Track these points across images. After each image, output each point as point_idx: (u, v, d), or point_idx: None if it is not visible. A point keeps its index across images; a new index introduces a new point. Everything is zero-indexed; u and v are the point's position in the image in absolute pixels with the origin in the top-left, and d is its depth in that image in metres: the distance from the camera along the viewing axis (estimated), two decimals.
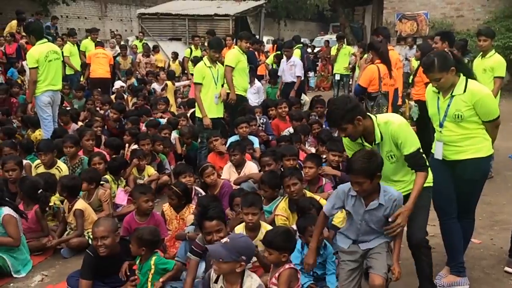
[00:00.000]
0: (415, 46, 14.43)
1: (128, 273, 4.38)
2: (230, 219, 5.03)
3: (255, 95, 11.05)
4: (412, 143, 3.81)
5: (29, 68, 8.26)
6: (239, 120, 7.67)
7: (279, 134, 8.50)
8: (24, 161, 6.58)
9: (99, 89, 11.89)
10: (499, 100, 7.21)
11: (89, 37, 15.04)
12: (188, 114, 9.77)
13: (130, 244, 4.33)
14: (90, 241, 5.11)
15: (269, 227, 4.48)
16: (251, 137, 7.71)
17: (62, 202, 5.88)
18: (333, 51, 15.71)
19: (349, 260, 3.85)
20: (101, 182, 6.27)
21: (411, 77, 8.61)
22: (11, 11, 19.40)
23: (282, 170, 5.76)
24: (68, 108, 10.14)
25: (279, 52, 14.54)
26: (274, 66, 14.17)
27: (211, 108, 7.88)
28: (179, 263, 4.50)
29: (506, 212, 6.43)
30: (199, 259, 4.31)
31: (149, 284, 4.24)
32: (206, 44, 13.63)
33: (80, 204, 5.54)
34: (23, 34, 14.01)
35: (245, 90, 9.19)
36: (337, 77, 15.24)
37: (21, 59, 13.93)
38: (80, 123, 9.25)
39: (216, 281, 3.70)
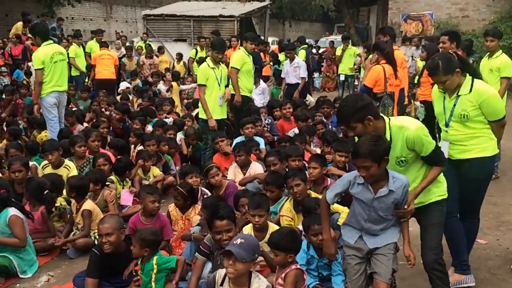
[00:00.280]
0: (421, 46, 14.39)
1: (134, 273, 4.38)
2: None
3: (260, 96, 11.06)
4: (429, 143, 3.69)
5: (35, 69, 8.28)
6: (245, 120, 7.66)
7: (284, 134, 8.49)
8: (30, 163, 6.60)
9: (104, 90, 11.92)
10: (506, 101, 7.19)
11: (94, 39, 15.08)
12: (193, 114, 9.77)
13: (132, 246, 4.29)
14: (96, 242, 5.12)
15: (277, 227, 4.48)
16: (257, 138, 7.71)
17: (68, 203, 5.90)
18: (338, 52, 15.71)
19: (354, 254, 3.76)
20: (107, 183, 6.29)
21: (417, 77, 8.60)
22: (17, 12, 19.51)
23: (287, 170, 5.76)
24: (74, 109, 10.16)
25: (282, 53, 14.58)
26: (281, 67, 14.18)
27: (215, 109, 7.84)
28: (182, 258, 4.49)
29: None
30: (206, 259, 4.32)
31: (153, 284, 4.23)
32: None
33: (89, 204, 5.55)
34: (29, 35, 14.02)
35: (250, 91, 9.19)
36: (342, 78, 15.23)
37: (27, 61, 13.98)
38: (85, 124, 9.28)
39: (222, 284, 3.68)
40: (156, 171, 7.25)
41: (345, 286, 4.03)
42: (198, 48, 15.81)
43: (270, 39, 25.75)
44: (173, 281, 4.28)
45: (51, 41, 8.31)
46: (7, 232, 4.90)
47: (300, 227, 4.61)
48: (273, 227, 4.54)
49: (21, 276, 4.95)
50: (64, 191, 5.92)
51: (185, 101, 12.62)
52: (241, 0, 23.25)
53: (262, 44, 15.52)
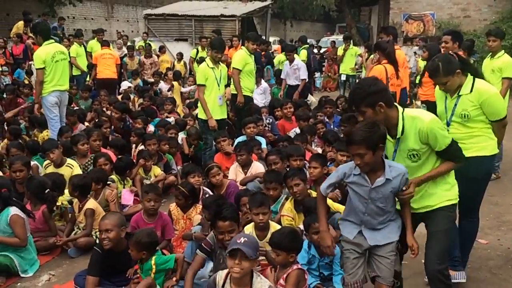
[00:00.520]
0: (422, 46, 14.39)
1: (134, 272, 4.39)
2: None
3: (261, 95, 11.06)
4: (444, 137, 3.55)
5: (36, 69, 8.29)
6: (246, 120, 7.66)
7: (285, 134, 8.49)
8: (31, 162, 6.59)
9: (106, 90, 11.92)
10: (508, 101, 7.17)
11: (95, 38, 15.08)
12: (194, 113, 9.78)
13: (129, 250, 4.29)
14: (97, 241, 5.12)
15: (278, 227, 4.47)
16: (259, 138, 7.70)
17: (69, 202, 5.90)
18: (339, 52, 15.72)
19: (353, 249, 3.66)
20: (108, 182, 6.29)
21: (418, 77, 8.58)
22: (18, 12, 19.50)
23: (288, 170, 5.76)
24: (75, 109, 10.17)
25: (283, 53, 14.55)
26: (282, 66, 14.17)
27: (214, 109, 7.79)
28: (181, 255, 4.50)
29: None
30: (206, 257, 4.32)
31: None
32: None
33: (92, 203, 5.56)
34: (30, 35, 14.05)
35: (252, 91, 9.17)
36: (343, 78, 15.24)
37: (28, 60, 13.99)
38: (86, 124, 9.29)
39: (223, 285, 3.66)
40: (157, 171, 7.26)
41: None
42: (199, 48, 15.80)
43: (271, 39, 25.76)
44: (174, 279, 4.30)
45: (52, 40, 8.31)
46: (8, 232, 4.90)
47: (301, 226, 4.61)
48: (274, 226, 4.53)
49: (22, 275, 4.95)
50: (66, 190, 5.93)
51: (187, 100, 12.63)
52: (242, 0, 23.26)
53: (264, 44, 15.53)
